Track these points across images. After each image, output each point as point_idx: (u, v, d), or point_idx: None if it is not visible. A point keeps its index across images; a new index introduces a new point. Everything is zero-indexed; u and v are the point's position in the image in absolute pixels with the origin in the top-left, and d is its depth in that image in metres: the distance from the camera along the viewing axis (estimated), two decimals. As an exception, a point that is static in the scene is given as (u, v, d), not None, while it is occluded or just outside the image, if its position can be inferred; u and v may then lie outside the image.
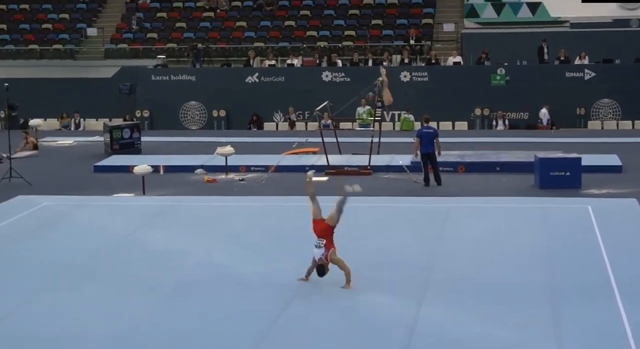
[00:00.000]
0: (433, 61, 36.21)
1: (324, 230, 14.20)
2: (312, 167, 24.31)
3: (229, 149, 24.20)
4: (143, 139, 28.54)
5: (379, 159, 24.63)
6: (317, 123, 27.85)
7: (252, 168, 24.59)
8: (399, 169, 23.79)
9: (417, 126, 30.03)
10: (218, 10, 41.61)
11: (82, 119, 35.75)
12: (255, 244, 16.77)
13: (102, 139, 28.98)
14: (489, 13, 38.27)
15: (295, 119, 34.87)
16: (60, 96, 36.71)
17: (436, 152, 22.23)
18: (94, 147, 29.18)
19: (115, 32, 41.15)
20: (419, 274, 14.65)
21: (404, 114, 33.56)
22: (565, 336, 11.87)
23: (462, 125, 34.28)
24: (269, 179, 23.52)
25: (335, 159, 24.78)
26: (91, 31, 41.03)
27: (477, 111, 34.39)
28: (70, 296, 13.90)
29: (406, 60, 36.56)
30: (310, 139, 26.63)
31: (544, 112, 33.56)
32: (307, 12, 40.99)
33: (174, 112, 35.92)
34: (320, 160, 24.83)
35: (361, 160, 24.51)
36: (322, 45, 38.71)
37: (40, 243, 17.21)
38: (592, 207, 19.21)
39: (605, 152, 25.85)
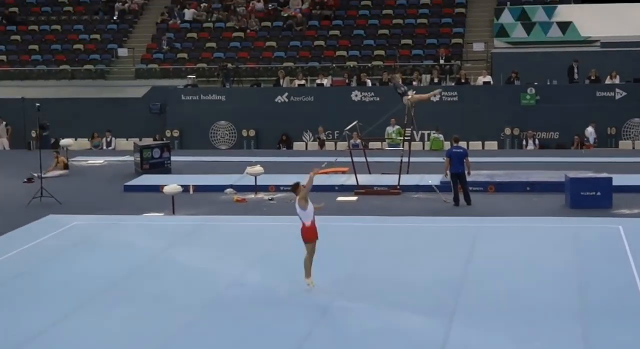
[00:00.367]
0: (463, 81, 36.15)
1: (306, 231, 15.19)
2: (341, 186, 24.39)
3: (258, 168, 24.23)
4: (173, 158, 28.62)
5: (408, 179, 24.58)
6: (346, 143, 27.84)
7: (282, 188, 24.57)
8: (428, 188, 23.73)
9: (447, 145, 29.97)
10: (248, 31, 41.74)
11: (113, 138, 35.89)
12: (285, 264, 16.74)
13: (132, 158, 29.10)
14: (519, 33, 38.16)
15: (324, 138, 34.86)
16: (91, 115, 36.88)
17: (466, 172, 22.18)
18: (124, 166, 29.29)
19: (145, 52, 41.36)
20: (449, 294, 14.58)
21: (434, 133, 33.52)
22: (597, 357, 11.80)
23: (492, 145, 34.16)
24: (299, 198, 23.48)
25: (365, 179, 24.75)
26: (122, 51, 41.25)
27: (507, 131, 34.26)
28: (100, 315, 13.93)
29: (436, 80, 36.51)
30: (340, 159, 26.62)
31: (590, 131, 33.31)
32: (337, 32, 41.04)
33: (203, 132, 36.00)
34: (349, 180, 24.81)
35: (390, 180, 24.46)
36: (351, 65, 38.74)
37: (70, 262, 17.27)
38: (623, 227, 19.07)
39: (637, 172, 25.71)
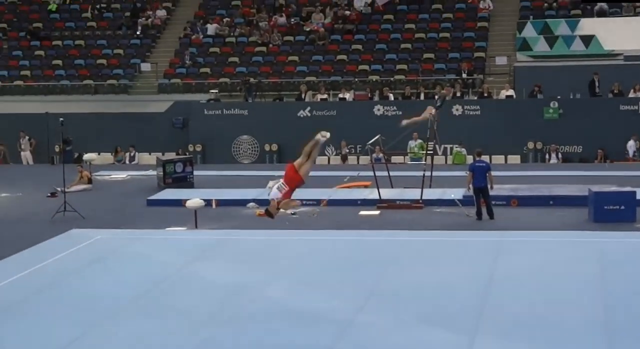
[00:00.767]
0: (485, 95, 36.10)
1: (292, 179, 15.10)
2: (363, 201, 24.37)
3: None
4: (195, 173, 28.67)
5: (431, 193, 24.54)
6: (369, 157, 27.83)
7: (304, 202, 24.51)
8: (451, 203, 23.67)
9: (470, 159, 29.93)
10: (270, 45, 41.84)
11: (136, 153, 36.01)
12: (308, 279, 16.74)
13: (155, 173, 29.18)
14: (541, 46, 38.06)
15: (347, 152, 34.85)
16: (114, 130, 37.05)
17: (489, 186, 22.12)
18: (147, 181, 29.38)
19: (168, 67, 41.52)
20: (471, 309, 14.52)
21: (456, 147, 33.49)
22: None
23: (514, 159, 34.07)
24: (321, 213, 23.50)
25: (387, 193, 24.72)
26: (145, 66, 41.43)
27: (530, 145, 34.17)
28: (123, 329, 13.95)
29: (458, 94, 36.48)
30: (362, 173, 26.61)
31: (631, 144, 33.15)
32: (359, 47, 41.07)
33: (226, 146, 36.08)
34: (372, 194, 24.79)
35: (413, 194, 24.43)
36: (374, 79, 38.76)
37: (94, 277, 17.31)
38: (647, 241, 19.00)
39: (661, 186, 25.56)
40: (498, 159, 33.21)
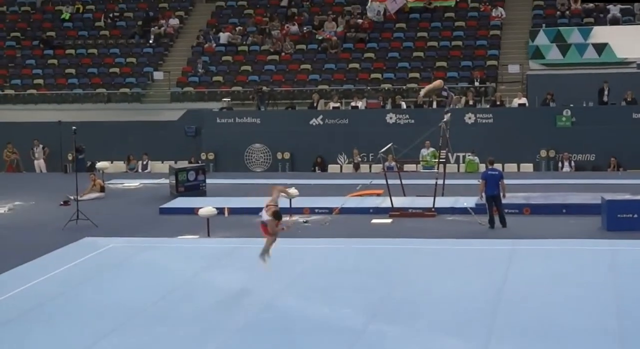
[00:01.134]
0: (498, 103, 36.08)
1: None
2: (376, 209, 24.36)
3: (293, 191, 24.21)
4: (208, 181, 28.69)
5: (443, 201, 24.52)
6: (381, 165, 27.83)
7: (316, 210, 24.59)
8: (463, 211, 23.64)
9: (482, 168, 29.90)
10: (283, 54, 41.90)
11: (149, 161, 36.07)
12: (320, 287, 16.73)
13: (167, 181, 29.21)
14: (554, 54, 38.00)
15: (359, 161, 34.85)
16: (126, 138, 37.14)
17: (501, 195, 22.08)
18: (160, 189, 29.41)
19: (181, 75, 41.60)
20: (484, 317, 14.49)
21: (469, 156, 33.46)
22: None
23: (527, 167, 34.03)
24: (333, 221, 23.51)
25: (400, 201, 24.70)
26: (157, 75, 41.53)
27: (543, 153, 34.12)
28: (135, 337, 13.96)
29: (471, 102, 36.47)
30: (374, 181, 26.60)
31: None
32: (372, 55, 41.11)
33: (238, 155, 36.12)
34: (384, 202, 24.77)
35: (425, 202, 24.40)
36: (386, 88, 38.78)
37: (106, 285, 17.34)
38: (661, 250, 18.93)
39: (674, 194, 25.49)
40: (511, 167, 33.17)
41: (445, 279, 17.00)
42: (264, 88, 38.39)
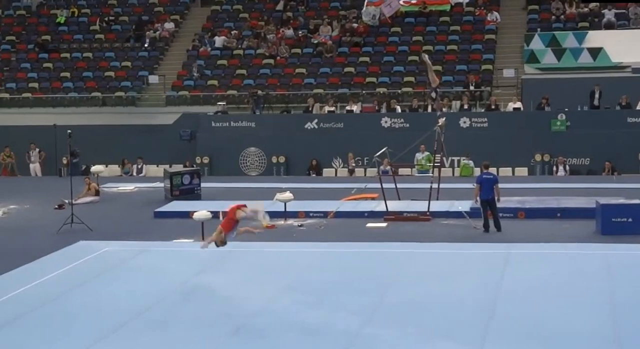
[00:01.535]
0: (493, 107, 36.13)
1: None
2: (371, 213, 24.36)
3: (288, 195, 24.25)
4: (203, 185, 28.69)
5: (438, 205, 24.53)
6: (376, 169, 27.84)
7: (311, 214, 24.59)
8: (458, 215, 23.64)
9: (477, 171, 29.93)
10: (278, 58, 41.93)
11: (144, 165, 36.06)
12: (315, 291, 16.72)
13: (162, 185, 29.20)
14: (549, 59, 38.07)
15: (353, 167, 34.80)
16: (121, 142, 37.16)
17: (496, 199, 22.08)
18: (155, 193, 29.39)
19: (176, 79, 41.61)
20: (479, 321, 14.49)
21: (464, 160, 33.48)
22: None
23: (522, 171, 34.07)
24: (328, 225, 23.51)
25: (394, 205, 24.70)
26: (153, 78, 41.55)
27: (538, 157, 34.17)
28: (130, 341, 13.95)
29: (466, 106, 36.51)
30: (369, 185, 26.60)
31: None
32: (367, 59, 41.15)
33: (233, 159, 36.12)
34: (379, 206, 24.77)
35: (420, 206, 24.41)
36: (381, 92, 38.81)
37: (101, 289, 17.31)
38: (655, 254, 18.94)
39: (669, 198, 25.50)
40: (505, 171, 33.20)
41: (440, 283, 17.00)
42: (259, 92, 38.42)
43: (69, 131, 25.45)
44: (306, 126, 36.12)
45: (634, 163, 33.51)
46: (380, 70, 40.40)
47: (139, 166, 36.05)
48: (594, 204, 22.41)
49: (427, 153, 31.80)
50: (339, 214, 24.29)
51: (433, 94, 26.84)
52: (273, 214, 24.40)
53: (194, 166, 34.07)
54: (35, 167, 36.85)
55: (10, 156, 37.05)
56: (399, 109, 36.56)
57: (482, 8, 42.79)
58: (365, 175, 33.45)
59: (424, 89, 38.17)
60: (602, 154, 33.45)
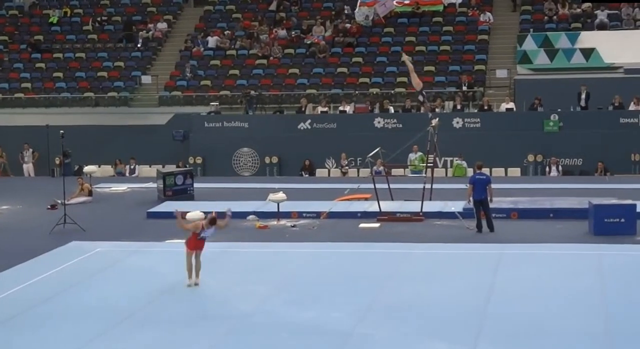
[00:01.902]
0: (486, 107, 36.14)
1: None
2: (364, 213, 24.37)
3: (281, 195, 24.24)
4: (196, 185, 28.66)
5: (431, 206, 24.54)
6: (369, 169, 27.85)
7: (304, 214, 24.58)
8: (451, 215, 23.64)
9: (470, 172, 29.94)
10: (271, 58, 41.92)
11: (136, 165, 36.03)
12: (308, 291, 16.73)
13: (155, 185, 29.17)
14: (542, 59, 38.10)
15: (346, 165, 34.79)
16: (114, 142, 37.11)
17: (489, 199, 22.10)
18: (147, 193, 29.36)
19: (169, 79, 41.58)
20: (471, 321, 14.51)
21: (457, 160, 33.50)
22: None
23: (515, 171, 34.07)
24: (321, 225, 23.51)
25: (387, 206, 24.71)
26: (145, 79, 41.51)
27: (530, 157, 34.19)
28: (123, 342, 13.95)
29: (458, 107, 36.53)
30: (362, 186, 26.61)
31: None
32: (360, 59, 41.16)
33: (226, 159, 36.09)
34: (372, 206, 24.78)
35: (413, 206, 24.42)
36: (374, 92, 38.81)
37: (94, 289, 17.30)
38: (648, 254, 18.97)
39: (661, 198, 25.55)
40: (498, 171, 33.20)
41: (433, 283, 17.02)
42: (252, 92, 38.39)
43: (62, 131, 25.41)
44: (299, 127, 36.11)
45: (627, 164, 33.55)
46: (373, 71, 40.41)
47: (132, 167, 36.01)
48: (586, 205, 22.44)
49: (420, 153, 31.79)
50: (331, 215, 24.28)
51: (420, 97, 26.85)
52: (266, 215, 24.49)
53: (187, 166, 34.04)
54: (28, 167, 36.78)
55: (1, 156, 36.99)
56: (392, 110, 36.57)
57: (475, 9, 42.82)
58: (358, 175, 33.44)
59: (416, 90, 38.15)
60: (595, 154, 33.48)
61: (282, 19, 44.31)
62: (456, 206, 23.99)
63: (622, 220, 21.50)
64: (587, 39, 38.34)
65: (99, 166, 35.04)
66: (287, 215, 24.33)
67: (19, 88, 42.29)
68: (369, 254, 19.72)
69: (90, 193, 28.74)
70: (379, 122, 35.61)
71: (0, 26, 46.87)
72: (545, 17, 41.52)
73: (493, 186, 22.36)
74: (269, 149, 35.95)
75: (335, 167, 35.28)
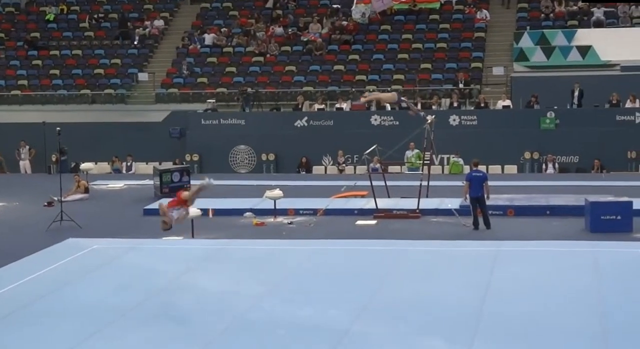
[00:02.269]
0: (482, 105, 36.15)
1: (180, 202, 17.44)
2: (360, 210, 24.38)
3: (277, 192, 24.24)
4: (192, 182, 28.58)
5: (427, 203, 24.54)
6: (365, 166, 27.85)
7: (301, 211, 24.59)
8: (448, 212, 23.67)
9: (466, 169, 29.96)
10: (267, 55, 41.91)
11: (133, 162, 36.01)
12: (304, 288, 16.73)
13: (152, 182, 29.15)
14: (538, 57, 38.09)
15: (343, 167, 34.77)
16: (111, 140, 37.10)
17: (485, 196, 22.11)
18: (144, 190, 29.35)
19: (165, 77, 41.56)
20: (468, 319, 14.51)
21: (453, 157, 33.51)
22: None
23: (511, 169, 34.11)
24: (318, 222, 23.51)
25: (384, 203, 24.71)
26: (142, 76, 41.49)
27: (527, 155, 34.21)
28: (119, 339, 13.93)
29: (455, 104, 36.52)
30: (359, 183, 26.62)
31: None
32: (356, 57, 41.15)
33: (223, 156, 36.09)
34: (368, 203, 24.79)
35: (410, 203, 24.43)
36: (371, 89, 38.77)
37: (90, 286, 17.29)
38: (644, 251, 18.97)
39: (657, 196, 25.57)
40: (495, 169, 33.23)
41: (430, 281, 17.02)
42: (249, 89, 38.39)
43: (58, 128, 25.40)
44: (296, 124, 36.11)
45: (623, 161, 33.60)
46: (369, 68, 40.41)
47: (129, 164, 36.00)
48: (583, 202, 22.47)
49: (416, 151, 31.79)
50: (328, 212, 24.29)
51: (403, 104, 26.86)
52: (263, 212, 24.50)
53: (184, 163, 34.04)
54: (25, 164, 36.75)
55: (-2, 153, 37.01)
56: (388, 107, 36.54)
57: (472, 6, 42.81)
58: (355, 173, 33.42)
59: (413, 87, 38.23)
60: (591, 152, 33.53)
61: (279, 17, 44.30)
62: (453, 203, 23.99)
63: (619, 217, 21.53)
64: (584, 36, 38.32)
65: (96, 163, 35.03)
66: (284, 212, 24.35)
67: (15, 85, 42.26)
68: (365, 252, 19.72)
69: (86, 190, 28.73)
70: (375, 120, 35.62)
71: (-3, 23, 46.85)
72: (542, 15, 41.54)
73: (489, 183, 22.38)
74: (265, 146, 35.94)
75: (332, 165, 35.28)
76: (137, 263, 19.15)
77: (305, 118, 36.18)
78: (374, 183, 24.77)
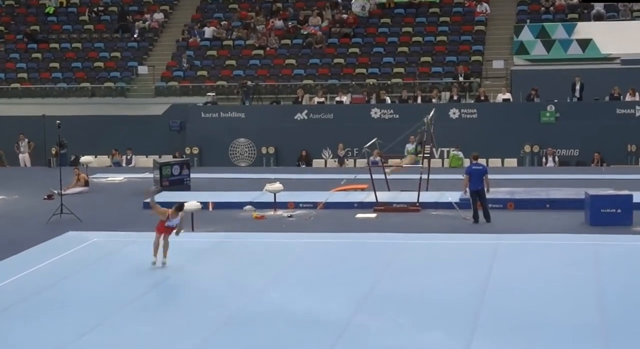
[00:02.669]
0: (482, 98, 36.12)
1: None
2: (360, 203, 24.38)
3: (277, 185, 24.23)
4: (192, 175, 28.62)
5: (427, 196, 24.53)
6: (365, 160, 27.83)
7: (301, 205, 24.58)
8: (448, 206, 23.66)
9: (467, 162, 29.94)
10: (267, 48, 41.88)
11: (133, 155, 36.00)
12: (304, 281, 16.73)
13: (151, 175, 29.14)
14: (538, 50, 38.05)
15: (344, 155, 34.78)
16: (111, 133, 37.09)
17: (485, 189, 22.10)
18: (144, 183, 29.29)
19: (165, 70, 41.54)
20: (467, 312, 14.52)
21: (453, 150, 33.48)
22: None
23: (511, 162, 34.10)
24: (318, 215, 23.50)
25: (384, 196, 24.71)
26: (142, 69, 41.48)
27: (527, 148, 34.20)
28: (119, 331, 13.94)
29: (455, 97, 36.49)
30: (359, 176, 26.61)
31: None
32: (356, 50, 41.12)
33: (223, 149, 36.08)
34: (368, 197, 24.78)
35: (410, 197, 24.42)
36: (371, 83, 38.80)
37: (90, 279, 17.30)
38: (644, 244, 18.98)
39: (657, 189, 25.57)
40: (495, 162, 33.22)
41: (429, 274, 17.03)
42: (249, 83, 38.36)
43: (58, 121, 25.37)
44: (296, 117, 36.10)
45: (623, 154, 33.59)
46: (369, 62, 40.39)
47: (129, 157, 35.98)
48: (582, 195, 22.47)
49: (416, 144, 31.78)
50: (328, 205, 24.29)
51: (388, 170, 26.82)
52: (263, 205, 24.49)
53: (184, 156, 34.04)
54: (24, 157, 36.72)
55: (-3, 146, 36.98)
56: (388, 100, 36.55)
57: (472, -1, 42.82)
58: (355, 166, 33.43)
59: (413, 80, 38.21)
60: (591, 145, 33.51)
61: (279, 10, 44.27)
62: (453, 197, 23.99)
63: (619, 211, 21.53)
64: (584, 29, 38.28)
65: (96, 156, 35.03)
66: (284, 205, 24.34)
67: (15, 78, 42.24)
68: (365, 245, 19.73)
69: (86, 183, 28.72)
70: (375, 113, 35.60)
71: (-3, 16, 46.83)
72: (542, 8, 41.50)
73: (489, 176, 22.37)
74: (265, 139, 35.93)
75: (332, 158, 35.28)
76: (137, 256, 19.10)
77: (305, 111, 36.17)
78: (374, 176, 24.76)
